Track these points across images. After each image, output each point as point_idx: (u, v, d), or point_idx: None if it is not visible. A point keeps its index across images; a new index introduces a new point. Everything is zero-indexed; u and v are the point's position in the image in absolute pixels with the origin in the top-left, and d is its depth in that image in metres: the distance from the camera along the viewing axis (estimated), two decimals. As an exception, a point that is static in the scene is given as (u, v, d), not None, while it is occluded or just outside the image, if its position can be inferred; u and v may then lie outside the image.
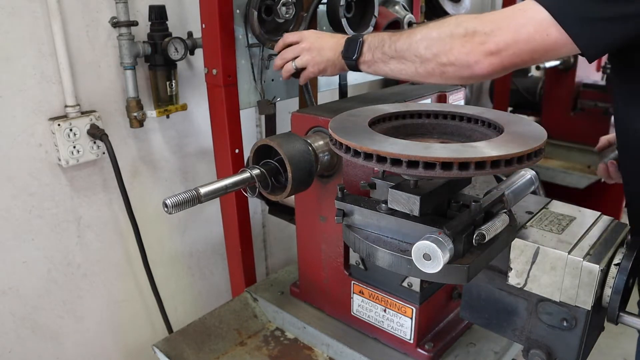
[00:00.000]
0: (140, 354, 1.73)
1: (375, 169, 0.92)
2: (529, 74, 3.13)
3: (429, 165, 0.72)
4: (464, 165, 0.72)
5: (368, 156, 0.76)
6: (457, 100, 1.35)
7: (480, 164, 0.72)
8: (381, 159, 0.75)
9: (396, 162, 0.74)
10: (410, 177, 0.86)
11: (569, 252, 0.83)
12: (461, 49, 0.90)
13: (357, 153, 0.78)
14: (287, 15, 1.34)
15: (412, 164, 0.73)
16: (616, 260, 0.84)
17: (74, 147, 1.38)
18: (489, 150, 0.74)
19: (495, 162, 0.72)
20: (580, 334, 0.86)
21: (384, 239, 0.90)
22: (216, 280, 1.94)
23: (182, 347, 1.23)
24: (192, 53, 1.51)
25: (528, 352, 0.93)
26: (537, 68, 2.97)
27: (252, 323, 1.35)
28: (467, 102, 2.43)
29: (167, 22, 1.46)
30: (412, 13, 1.82)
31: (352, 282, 1.18)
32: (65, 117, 1.37)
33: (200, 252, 1.86)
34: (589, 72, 2.95)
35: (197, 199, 0.93)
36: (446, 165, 0.72)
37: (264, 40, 1.38)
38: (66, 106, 1.36)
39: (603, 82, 2.94)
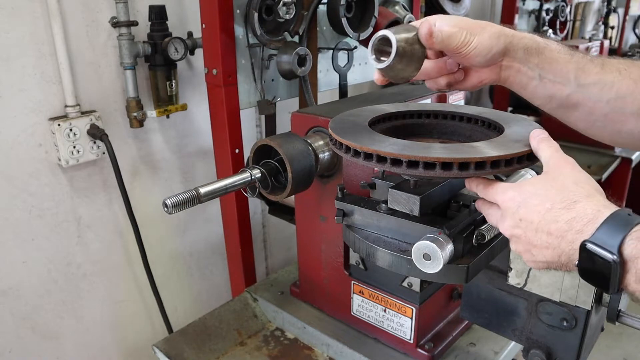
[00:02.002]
0: (140, 354, 1.73)
1: (375, 169, 0.92)
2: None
3: (429, 165, 0.72)
4: (464, 165, 0.72)
5: (368, 156, 0.76)
6: (457, 100, 1.35)
7: (480, 164, 0.72)
8: (381, 159, 0.75)
9: (396, 162, 0.74)
10: (410, 177, 0.86)
11: (569, 252, 0.83)
12: None
13: (357, 153, 0.78)
14: (287, 16, 1.34)
15: (412, 164, 0.73)
16: (616, 260, 0.84)
17: (74, 147, 1.38)
18: (489, 150, 0.74)
19: (495, 162, 0.72)
20: (580, 334, 0.86)
21: (384, 239, 0.90)
22: (216, 280, 1.94)
23: (182, 347, 1.23)
24: (192, 53, 1.51)
25: (528, 352, 0.93)
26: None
27: (252, 323, 1.35)
28: (467, 102, 2.42)
29: (167, 22, 1.46)
30: (412, 13, 1.82)
31: (352, 282, 1.18)
32: (65, 117, 1.37)
33: (200, 252, 1.86)
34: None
35: (197, 199, 0.93)
36: (446, 165, 0.72)
37: (265, 40, 1.38)
38: (66, 106, 1.36)
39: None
